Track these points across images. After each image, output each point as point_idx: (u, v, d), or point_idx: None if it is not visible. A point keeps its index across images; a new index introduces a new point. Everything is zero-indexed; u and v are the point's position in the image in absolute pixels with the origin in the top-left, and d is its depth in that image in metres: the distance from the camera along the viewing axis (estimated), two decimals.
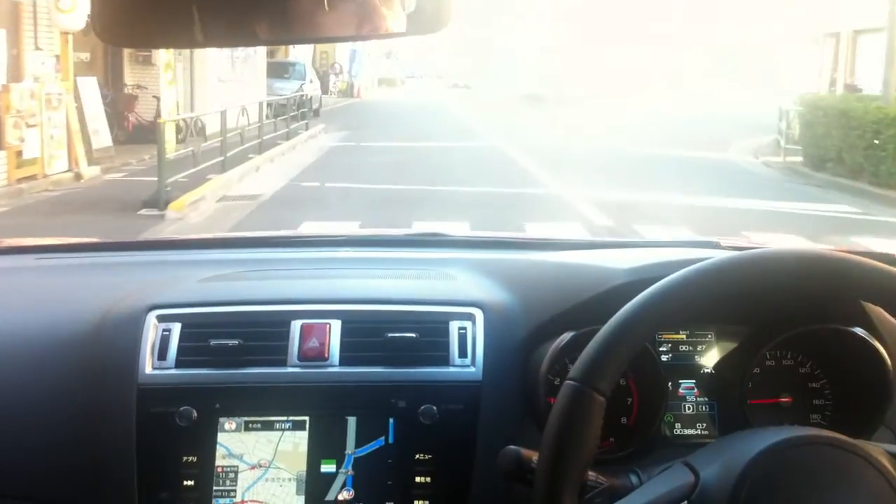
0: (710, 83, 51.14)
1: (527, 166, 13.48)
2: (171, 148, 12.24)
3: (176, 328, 1.24)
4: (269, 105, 17.57)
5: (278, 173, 12.30)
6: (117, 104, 14.69)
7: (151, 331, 1.23)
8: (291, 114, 17.00)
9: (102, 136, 12.64)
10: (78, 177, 11.19)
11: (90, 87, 12.66)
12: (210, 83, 16.95)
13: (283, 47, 26.90)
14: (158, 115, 14.67)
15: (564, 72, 47.82)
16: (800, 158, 14.53)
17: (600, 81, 45.22)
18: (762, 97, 32.38)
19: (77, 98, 11.90)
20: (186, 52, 15.96)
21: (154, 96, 14.92)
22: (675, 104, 34.02)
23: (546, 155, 14.69)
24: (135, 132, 14.52)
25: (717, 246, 1.63)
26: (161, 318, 1.25)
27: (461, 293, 1.33)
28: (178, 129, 13.73)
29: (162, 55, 14.24)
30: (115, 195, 10.07)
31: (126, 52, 14.89)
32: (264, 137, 14.16)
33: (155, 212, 8.90)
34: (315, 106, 22.71)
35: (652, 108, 30.30)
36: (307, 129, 18.03)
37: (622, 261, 1.39)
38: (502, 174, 12.38)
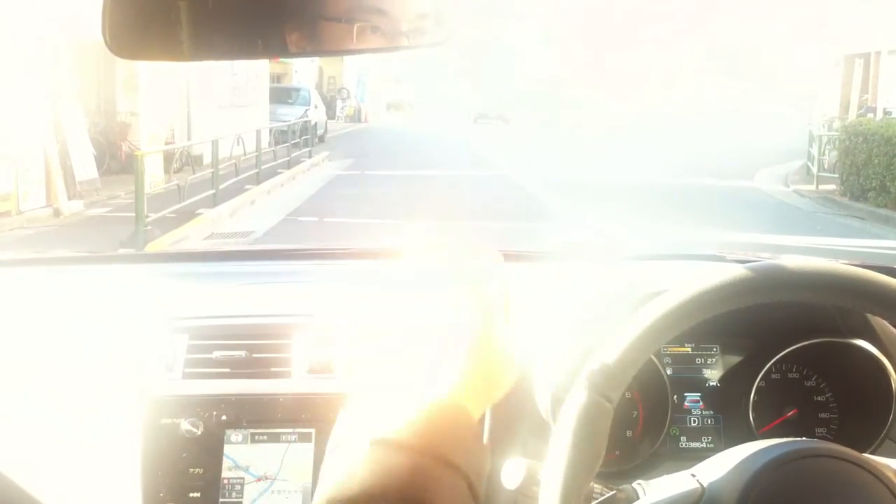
0: (708, 81, 50.93)
1: (544, 198, 12.61)
2: (159, 181, 11.51)
3: (183, 339, 1.25)
4: (270, 132, 16.81)
5: (275, 206, 11.52)
6: (109, 133, 13.93)
7: (158, 342, 1.25)
8: (293, 141, 16.20)
9: (88, 168, 11.80)
10: (57, 213, 10.34)
11: (74, 116, 11.83)
12: (209, 109, 16.13)
13: (288, 72, 26.42)
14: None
15: (563, 72, 47.97)
16: (834, 187, 13.65)
17: (600, 82, 45.41)
18: (762, 94, 32.16)
19: (59, 127, 11.10)
20: (184, 77, 15.26)
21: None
22: (676, 105, 33.58)
23: (563, 184, 13.83)
24: (129, 162, 13.64)
25: (722, 259, 1.66)
26: (168, 330, 1.26)
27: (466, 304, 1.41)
28: (169, 160, 12.91)
29: (143, 77, 13.44)
30: (92, 234, 9.30)
31: (119, 78, 14.16)
32: (263, 167, 13.44)
33: (133, 253, 8.08)
34: (320, 132, 22.00)
35: (656, 114, 29.68)
36: (310, 156, 17.28)
37: (628, 273, 1.47)
38: (520, 209, 11.48)
